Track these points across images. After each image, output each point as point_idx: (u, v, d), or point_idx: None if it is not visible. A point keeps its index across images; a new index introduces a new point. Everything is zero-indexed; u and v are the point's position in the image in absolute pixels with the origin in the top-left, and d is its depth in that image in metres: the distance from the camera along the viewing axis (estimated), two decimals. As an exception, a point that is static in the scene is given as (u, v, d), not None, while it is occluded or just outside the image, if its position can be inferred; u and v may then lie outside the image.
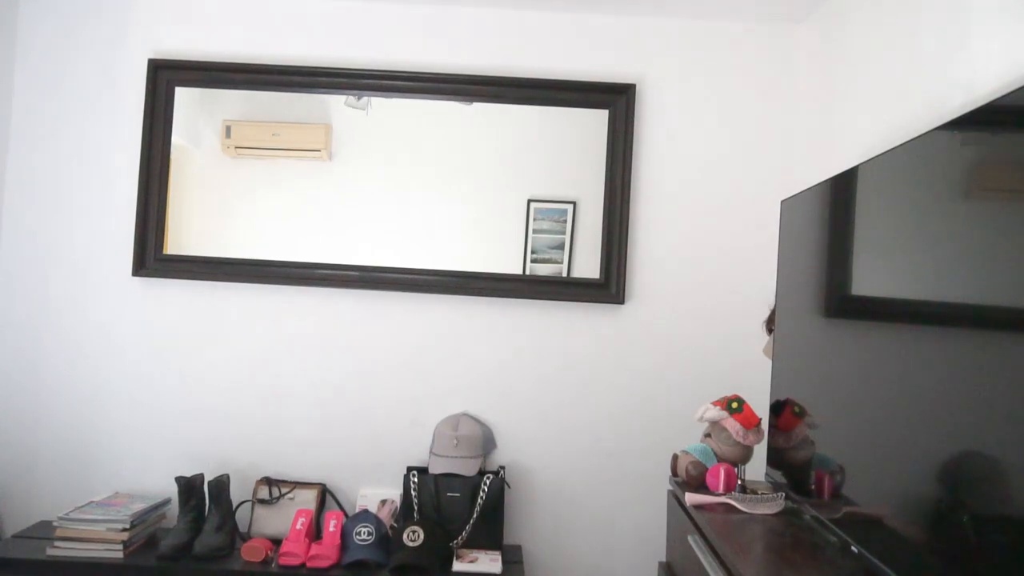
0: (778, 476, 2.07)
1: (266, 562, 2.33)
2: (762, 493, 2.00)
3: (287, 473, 2.63)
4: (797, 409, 1.97)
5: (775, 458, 2.10)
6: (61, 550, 2.29)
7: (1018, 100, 1.20)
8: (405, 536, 2.35)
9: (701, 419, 2.12)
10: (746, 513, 1.92)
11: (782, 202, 2.21)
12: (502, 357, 2.64)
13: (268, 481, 2.56)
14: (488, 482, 2.48)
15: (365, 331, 2.65)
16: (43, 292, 2.65)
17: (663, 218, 2.65)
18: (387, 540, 2.40)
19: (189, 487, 2.43)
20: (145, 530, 2.42)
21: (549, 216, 2.63)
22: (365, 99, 2.64)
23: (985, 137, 1.29)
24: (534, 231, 2.63)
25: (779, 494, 1.99)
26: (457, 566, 2.33)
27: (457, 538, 2.44)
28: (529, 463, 2.64)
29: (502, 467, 2.59)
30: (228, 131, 2.64)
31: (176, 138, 2.64)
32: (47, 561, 2.26)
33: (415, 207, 2.64)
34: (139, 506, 2.43)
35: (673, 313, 2.63)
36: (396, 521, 2.51)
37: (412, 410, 2.64)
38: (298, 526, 2.41)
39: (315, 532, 2.49)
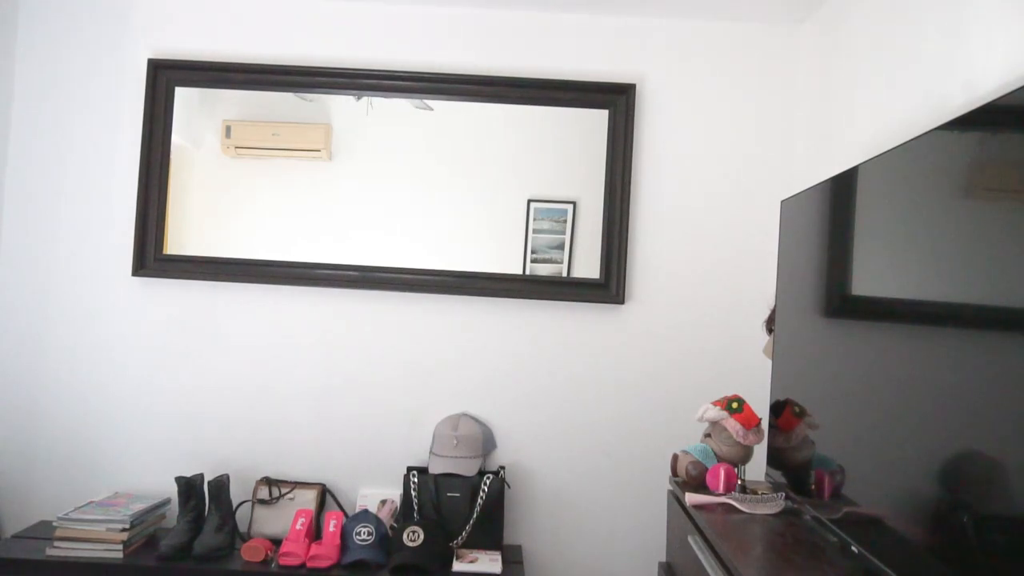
0: (778, 476, 2.07)
1: (266, 562, 2.33)
2: (762, 493, 2.00)
3: (287, 473, 2.63)
4: (797, 409, 1.97)
5: (775, 458, 2.10)
6: (61, 550, 2.29)
7: (1018, 100, 1.20)
8: (405, 536, 2.35)
9: (701, 419, 2.12)
10: (746, 513, 1.92)
11: (782, 202, 2.21)
12: (502, 357, 2.64)
13: (268, 481, 2.56)
14: (488, 482, 2.48)
15: (365, 331, 2.65)
16: (43, 292, 2.65)
17: (663, 218, 2.65)
18: (387, 540, 2.40)
19: (189, 487, 2.43)
20: (145, 530, 2.42)
21: (549, 216, 2.63)
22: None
23: (985, 137, 1.29)
24: (534, 231, 2.63)
25: (779, 494, 1.99)
26: (457, 566, 2.33)
27: (457, 538, 2.44)
28: (529, 463, 2.64)
29: (502, 467, 2.59)
30: (228, 131, 2.64)
31: (176, 138, 2.64)
32: (47, 561, 2.26)
33: (415, 207, 2.64)
34: (139, 506, 2.43)
35: (673, 313, 2.63)
36: (396, 521, 2.51)
37: (412, 410, 2.64)
38: (298, 526, 2.41)
39: (315, 532, 2.49)
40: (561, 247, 2.63)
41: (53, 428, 2.64)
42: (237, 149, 2.64)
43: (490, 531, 2.46)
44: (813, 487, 1.84)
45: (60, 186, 2.66)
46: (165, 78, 2.64)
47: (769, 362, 2.28)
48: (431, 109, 2.62)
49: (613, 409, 2.63)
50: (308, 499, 2.54)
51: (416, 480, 2.50)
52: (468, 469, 2.48)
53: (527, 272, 2.63)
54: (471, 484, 2.49)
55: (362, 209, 2.64)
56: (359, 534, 2.36)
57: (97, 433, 2.64)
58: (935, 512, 1.32)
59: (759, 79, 2.65)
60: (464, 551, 2.42)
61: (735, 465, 2.07)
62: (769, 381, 2.25)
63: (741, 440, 2.05)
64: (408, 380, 2.65)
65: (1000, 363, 1.16)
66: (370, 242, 2.64)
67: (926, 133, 1.44)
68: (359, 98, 2.65)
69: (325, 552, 2.33)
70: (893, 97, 1.93)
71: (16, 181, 2.66)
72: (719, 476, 2.01)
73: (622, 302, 2.61)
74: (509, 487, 2.60)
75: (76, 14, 2.67)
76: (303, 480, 2.62)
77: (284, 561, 2.32)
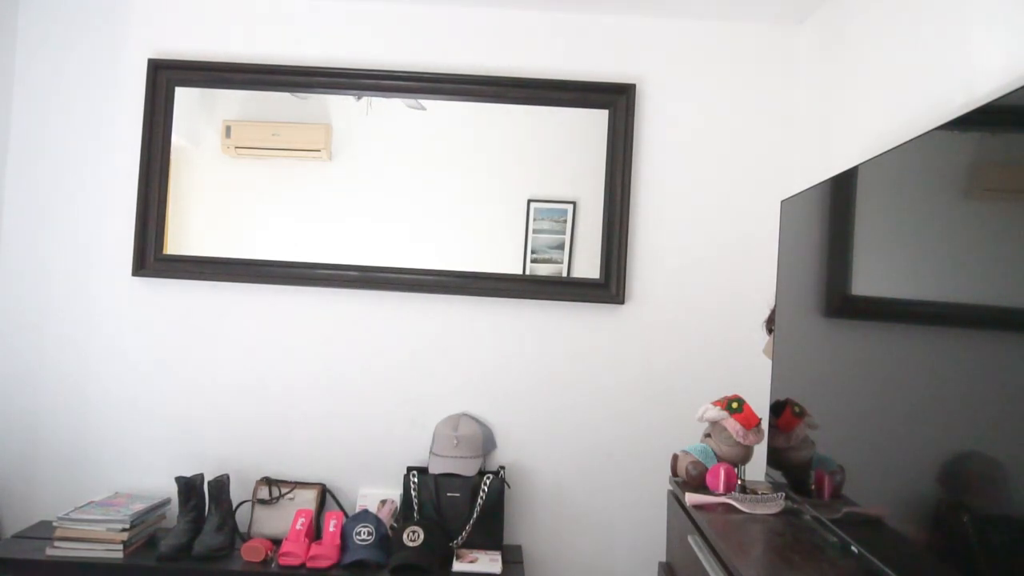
0: (778, 476, 2.07)
1: (266, 562, 2.33)
2: (762, 493, 2.00)
3: (287, 473, 2.63)
4: (797, 409, 1.97)
5: (775, 458, 2.10)
6: (61, 550, 2.29)
7: (1018, 100, 1.20)
8: (405, 536, 2.35)
9: (701, 419, 2.12)
10: (746, 513, 1.92)
11: (782, 202, 2.21)
12: (502, 357, 2.64)
13: (268, 481, 2.56)
14: (488, 482, 2.48)
15: (365, 331, 2.65)
16: (43, 292, 2.65)
17: (663, 218, 2.65)
18: (387, 540, 2.40)
19: (189, 487, 2.43)
20: (145, 530, 2.42)
21: (549, 216, 2.63)
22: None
23: (985, 137, 1.29)
24: (534, 231, 2.63)
25: (779, 494, 1.99)
26: (457, 566, 2.33)
27: (457, 538, 2.44)
28: (529, 463, 2.64)
29: (502, 467, 2.59)
30: (228, 131, 2.64)
31: (176, 138, 2.64)
32: (47, 561, 2.26)
33: (415, 207, 2.64)
34: (139, 506, 2.43)
35: (673, 313, 2.63)
36: (396, 521, 2.51)
37: (412, 410, 2.64)
38: (298, 526, 2.41)
39: (315, 532, 2.49)
40: (561, 247, 2.63)
41: (53, 428, 2.64)
42: (237, 149, 2.64)
43: (490, 531, 2.46)
44: (813, 487, 1.84)
45: (60, 186, 2.66)
46: (165, 78, 2.64)
47: (769, 362, 2.28)
48: (423, 108, 2.61)
49: (613, 409, 2.63)
50: (308, 499, 2.54)
51: (416, 480, 2.50)
52: (468, 469, 2.48)
53: (527, 272, 2.63)
54: (471, 484, 2.49)
55: (362, 209, 2.64)
56: (359, 534, 2.36)
57: (97, 433, 2.64)
58: (935, 512, 1.32)
59: (759, 79, 2.65)
60: (464, 551, 2.42)
61: (735, 465, 2.07)
62: (769, 381, 2.25)
63: (741, 440, 2.05)
64: (408, 380, 2.65)
65: (1000, 363, 1.16)
66: (370, 242, 2.64)
67: (926, 133, 1.44)
68: (359, 98, 2.65)
69: (325, 552, 2.33)
70: (893, 97, 1.93)
71: (16, 181, 2.66)
72: (719, 476, 2.01)
73: (622, 302, 2.61)
74: (509, 487, 2.60)
75: (76, 14, 2.67)
76: (303, 480, 2.62)
77: (284, 561, 2.32)
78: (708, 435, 2.15)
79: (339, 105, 2.65)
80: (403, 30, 2.66)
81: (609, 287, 2.61)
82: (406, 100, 2.64)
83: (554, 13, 2.66)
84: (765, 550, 1.67)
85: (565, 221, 2.63)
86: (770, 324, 2.33)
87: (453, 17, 2.67)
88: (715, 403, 2.13)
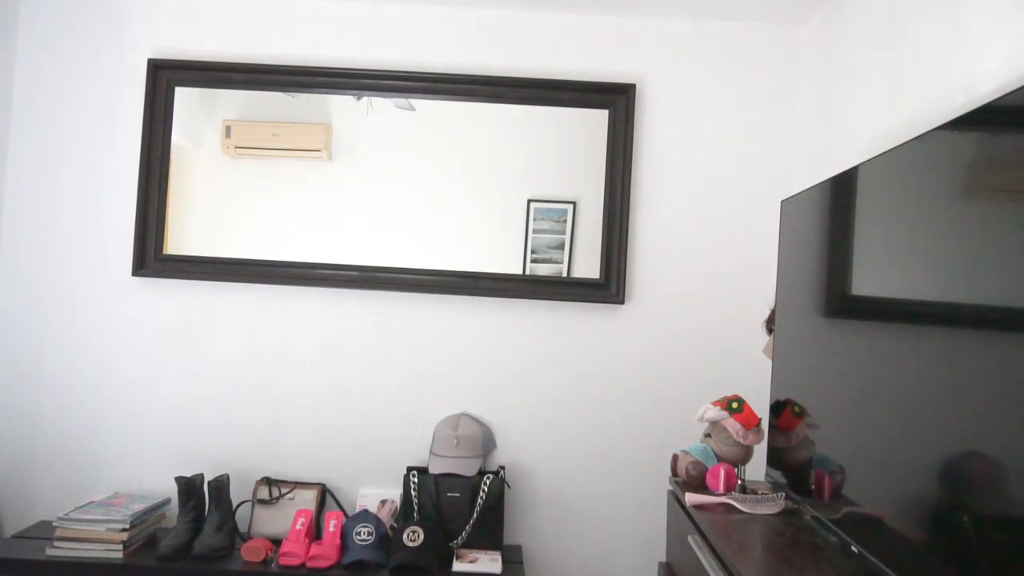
0: (778, 476, 2.07)
1: (266, 562, 2.33)
2: (762, 493, 2.00)
3: (287, 473, 2.63)
4: (797, 409, 1.97)
5: (775, 458, 2.10)
6: (61, 550, 2.29)
7: (1018, 100, 1.20)
8: (405, 536, 2.35)
9: (701, 419, 2.12)
10: (746, 513, 1.92)
11: (782, 202, 2.21)
12: (502, 357, 2.64)
13: (268, 481, 2.56)
14: (488, 482, 2.48)
15: (365, 331, 2.65)
16: (43, 292, 2.65)
17: (663, 218, 2.65)
18: (387, 540, 2.40)
19: (189, 487, 2.43)
20: (145, 530, 2.42)
21: (549, 216, 2.63)
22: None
23: (985, 137, 1.29)
24: (534, 231, 2.63)
25: (779, 494, 1.99)
26: (457, 566, 2.33)
27: (457, 538, 2.44)
28: (529, 463, 2.64)
29: (502, 467, 2.59)
30: (228, 131, 2.64)
31: (176, 138, 2.64)
32: (47, 561, 2.26)
33: (415, 207, 2.64)
34: (139, 506, 2.43)
35: (673, 313, 2.63)
36: (396, 521, 2.51)
37: (412, 410, 2.64)
38: (298, 526, 2.41)
39: (315, 532, 2.49)
40: (561, 247, 2.63)
41: (53, 428, 2.64)
42: (237, 149, 2.64)
43: (490, 531, 2.46)
44: (813, 487, 1.84)
45: (60, 186, 2.66)
46: (165, 78, 2.64)
47: (769, 362, 2.28)
48: (413, 109, 2.61)
49: (613, 409, 2.63)
50: (308, 499, 2.54)
51: (416, 480, 2.50)
52: (468, 469, 2.48)
53: (527, 272, 2.63)
54: (471, 484, 2.49)
55: (362, 209, 2.64)
56: (359, 534, 2.36)
57: (97, 433, 2.64)
58: (935, 512, 1.32)
59: (759, 79, 2.65)
60: (464, 551, 2.42)
61: (735, 465, 2.07)
62: (769, 381, 2.25)
63: (741, 440, 2.05)
64: (408, 380, 2.65)
65: (1000, 363, 1.16)
66: (370, 242, 2.64)
67: (926, 133, 1.44)
68: (359, 98, 2.65)
69: (325, 552, 2.33)
70: (893, 97, 1.93)
71: (16, 181, 2.66)
72: (719, 476, 2.01)
73: (622, 302, 2.61)
74: (509, 487, 2.60)
75: (76, 14, 2.67)
76: (303, 480, 2.62)
77: (284, 561, 2.32)
78: (708, 435, 2.15)
79: (339, 105, 2.65)
80: (403, 30, 2.66)
81: (609, 287, 2.61)
82: (398, 100, 2.64)
83: (554, 13, 2.66)
84: (765, 550, 1.67)
85: (565, 221, 2.63)
86: (770, 324, 2.33)
87: (453, 17, 2.67)
88: (715, 403, 2.13)
